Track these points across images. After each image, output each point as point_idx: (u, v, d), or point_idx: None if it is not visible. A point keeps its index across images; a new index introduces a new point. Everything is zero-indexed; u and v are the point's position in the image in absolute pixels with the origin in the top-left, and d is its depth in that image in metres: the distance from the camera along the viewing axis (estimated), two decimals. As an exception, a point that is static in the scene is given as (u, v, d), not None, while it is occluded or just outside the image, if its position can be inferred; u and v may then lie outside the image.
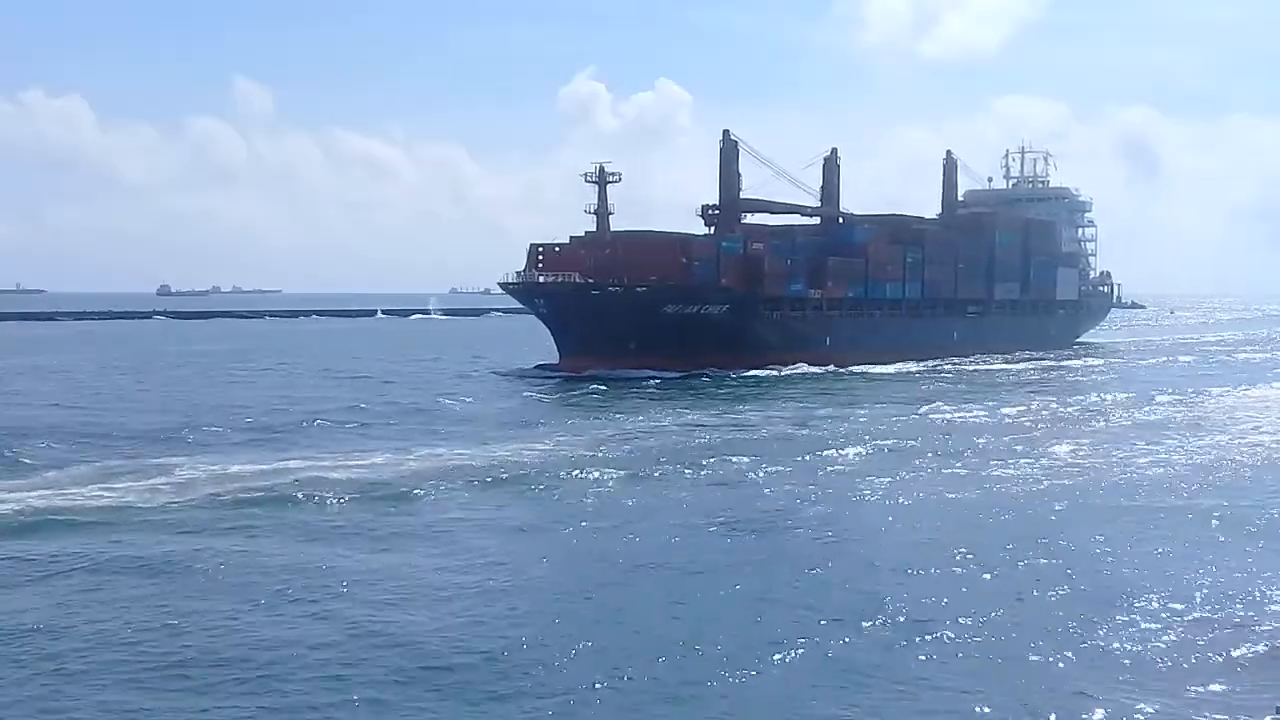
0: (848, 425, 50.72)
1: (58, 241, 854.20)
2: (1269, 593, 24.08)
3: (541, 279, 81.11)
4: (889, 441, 45.44)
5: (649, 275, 78.69)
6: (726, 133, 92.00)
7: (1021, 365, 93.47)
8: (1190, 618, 22.37)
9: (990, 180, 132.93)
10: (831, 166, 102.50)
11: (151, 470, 36.92)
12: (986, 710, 17.98)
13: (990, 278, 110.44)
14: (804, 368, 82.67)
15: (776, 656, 20.22)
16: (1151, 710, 17.90)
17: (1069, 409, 58.60)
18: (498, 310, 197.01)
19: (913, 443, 45.32)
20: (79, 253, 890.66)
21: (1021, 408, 58.45)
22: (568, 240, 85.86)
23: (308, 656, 20.12)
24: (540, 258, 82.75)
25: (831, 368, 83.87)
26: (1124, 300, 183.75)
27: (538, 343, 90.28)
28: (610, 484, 36.22)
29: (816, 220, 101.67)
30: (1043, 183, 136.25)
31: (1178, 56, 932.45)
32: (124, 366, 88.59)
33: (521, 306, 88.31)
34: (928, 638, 21.20)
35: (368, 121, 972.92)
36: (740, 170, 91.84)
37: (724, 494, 35.16)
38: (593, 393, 66.09)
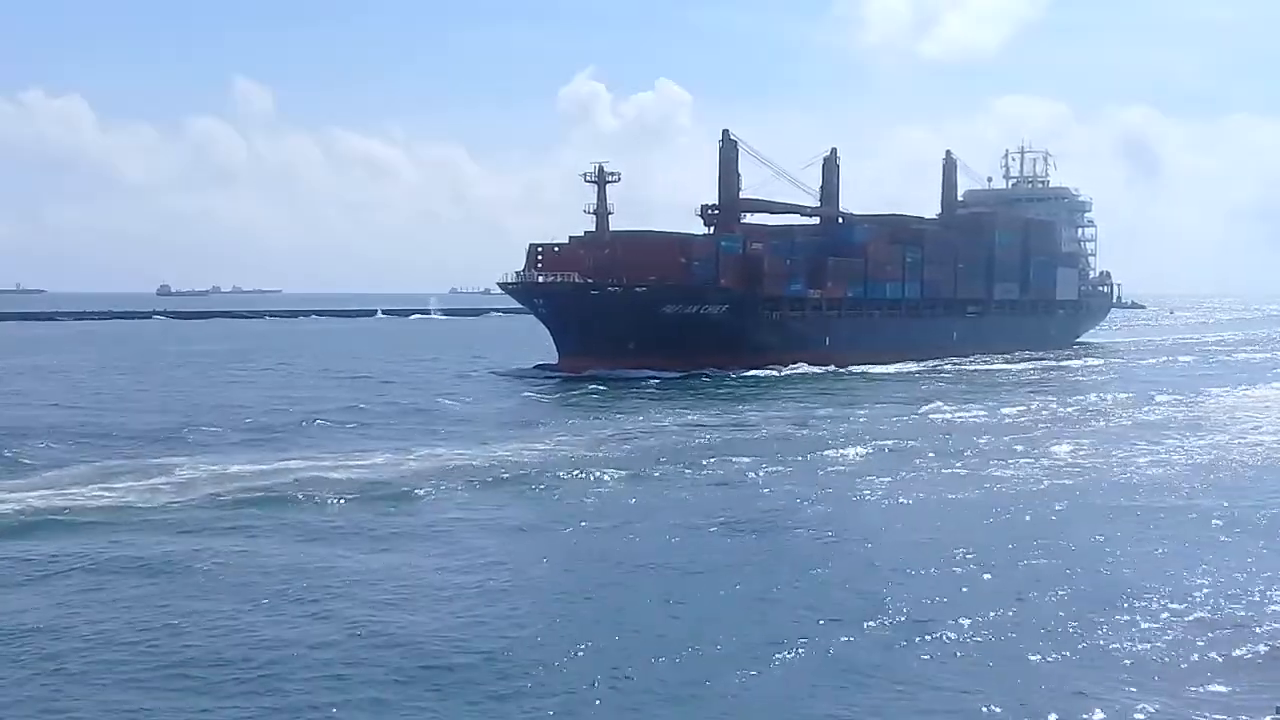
0: (847, 425, 50.73)
1: (58, 241, 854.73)
2: (1269, 593, 24.09)
3: (541, 279, 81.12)
4: (889, 441, 45.45)
5: (648, 275, 78.71)
6: (726, 133, 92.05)
7: (1021, 365, 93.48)
8: (1190, 618, 22.38)
9: (990, 180, 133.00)
10: (831, 166, 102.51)
11: (151, 470, 36.92)
12: (986, 710, 17.98)
13: (990, 278, 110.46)
14: (803, 368, 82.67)
15: (776, 656, 20.22)
16: (1151, 710, 17.91)
17: (1069, 409, 58.61)
18: (497, 310, 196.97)
19: (913, 443, 45.32)
20: (79, 253, 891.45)
21: (1021, 408, 58.46)
22: (567, 240, 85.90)
23: (308, 656, 20.12)
24: (539, 258, 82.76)
25: (831, 368, 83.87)
26: (1124, 300, 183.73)
27: (537, 343, 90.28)
28: (610, 484, 36.23)
29: (816, 220, 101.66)
30: (1042, 183, 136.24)
31: (1178, 56, 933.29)
32: (124, 366, 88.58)
33: (521, 306, 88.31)
34: (928, 638, 21.20)
35: (368, 121, 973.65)
36: (740, 170, 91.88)
37: (724, 494, 35.17)
38: (592, 393, 66.11)
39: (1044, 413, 56.89)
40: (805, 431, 48.95)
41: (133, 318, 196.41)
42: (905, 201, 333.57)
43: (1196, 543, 28.71)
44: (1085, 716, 17.71)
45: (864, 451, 42.88)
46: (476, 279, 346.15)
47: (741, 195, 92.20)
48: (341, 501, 32.90)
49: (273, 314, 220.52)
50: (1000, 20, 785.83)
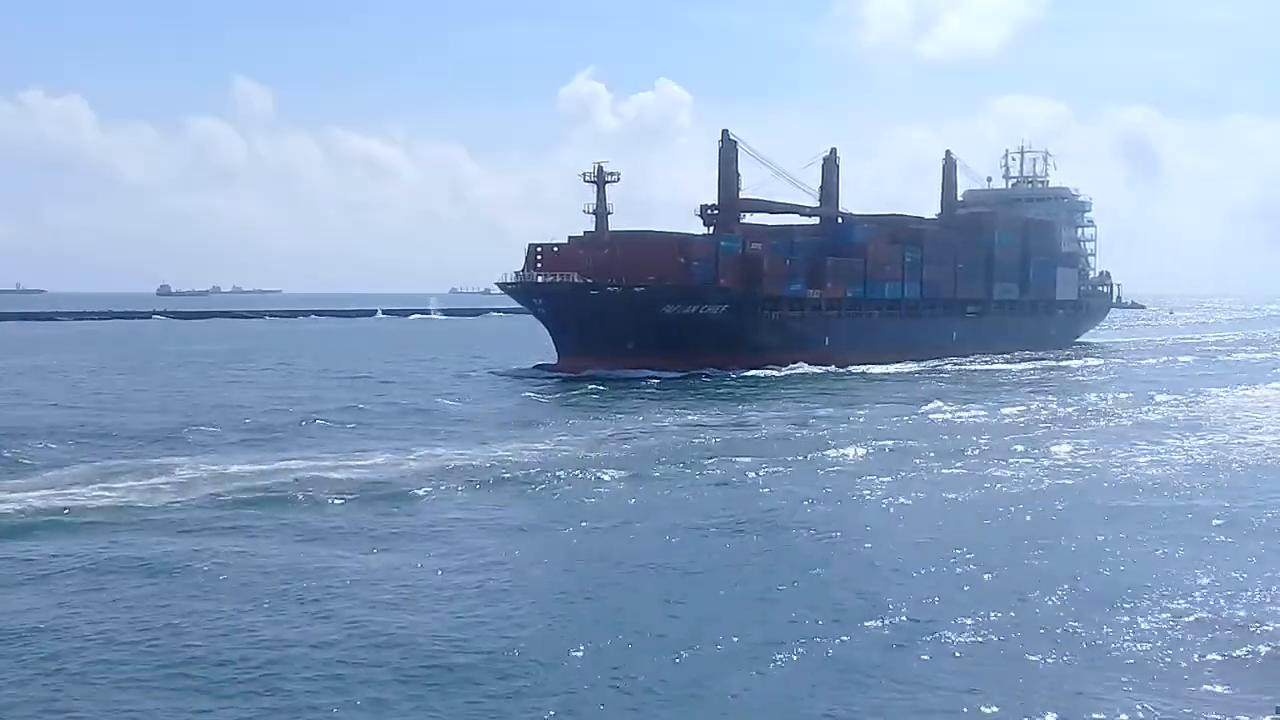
0: (847, 425, 50.74)
1: (58, 241, 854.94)
2: (1269, 593, 24.09)
3: (540, 279, 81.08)
4: (889, 441, 45.45)
5: (647, 275, 78.69)
6: (725, 133, 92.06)
7: (1021, 365, 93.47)
8: (1190, 618, 22.38)
9: (989, 180, 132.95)
10: (831, 166, 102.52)
11: (152, 470, 36.92)
12: (986, 710, 17.99)
13: (989, 278, 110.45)
14: (803, 368, 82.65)
15: (776, 656, 20.23)
16: (1151, 710, 17.91)
17: (1069, 409, 58.61)
18: (497, 310, 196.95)
19: (913, 443, 45.32)
20: (79, 253, 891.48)
21: (1021, 408, 58.47)
22: (566, 240, 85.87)
23: (308, 656, 20.13)
24: (539, 258, 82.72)
25: (831, 368, 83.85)
26: (1124, 300, 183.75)
27: (536, 343, 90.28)
28: (610, 484, 36.23)
29: (815, 220, 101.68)
30: (1042, 183, 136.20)
31: (1178, 56, 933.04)
32: (124, 366, 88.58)
33: (521, 307, 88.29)
34: (928, 638, 21.21)
35: (368, 121, 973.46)
36: (739, 170, 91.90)
37: (724, 494, 35.18)
38: (591, 393, 66.10)
39: (1044, 413, 56.89)
40: (805, 431, 48.95)
41: (133, 318, 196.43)
42: (905, 201, 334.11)
43: (1196, 543, 28.71)
44: (1085, 716, 17.72)
45: (864, 451, 42.90)
46: (476, 279, 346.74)
47: (741, 195, 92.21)
48: (341, 501, 32.90)
49: (273, 314, 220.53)
50: (1000, 20, 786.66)
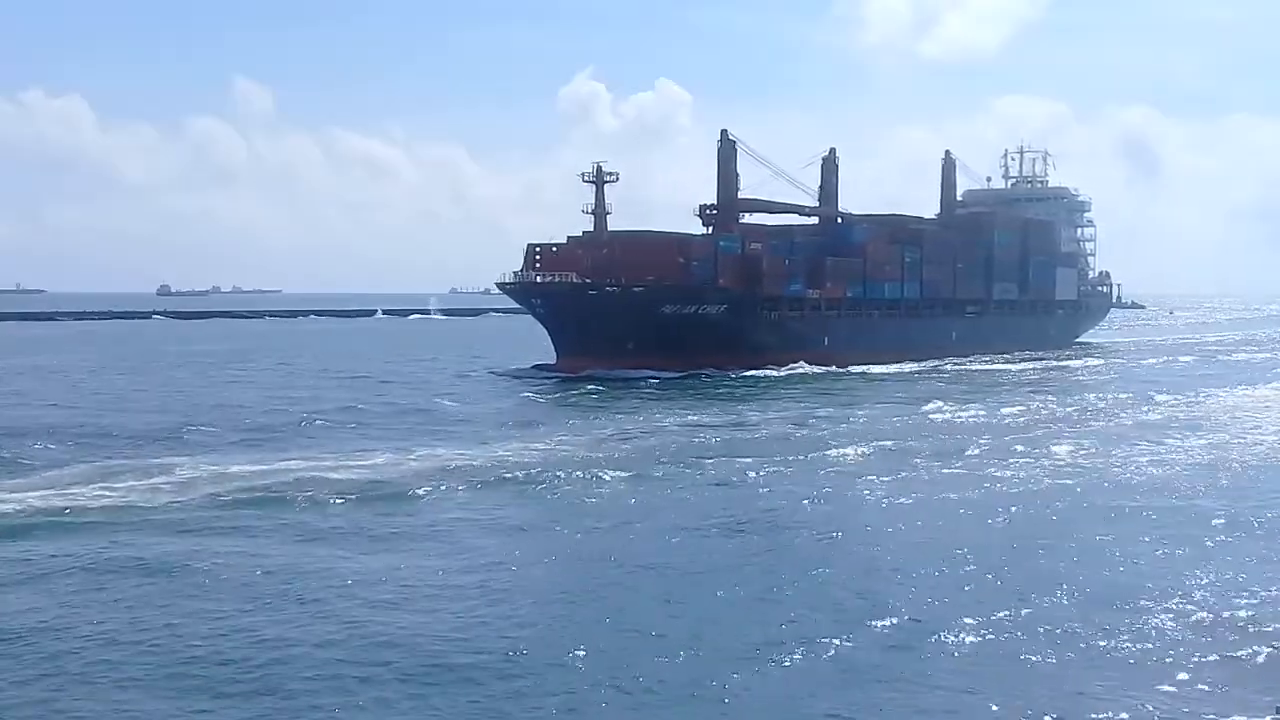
0: (847, 425, 50.74)
1: (58, 241, 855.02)
2: (1269, 593, 24.09)
3: (538, 279, 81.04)
4: (889, 441, 45.45)
5: (646, 275, 78.67)
6: (725, 132, 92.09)
7: (1021, 365, 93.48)
8: (1190, 618, 22.38)
9: (989, 180, 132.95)
10: (830, 166, 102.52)
11: (152, 470, 36.92)
12: (986, 710, 18.00)
13: (989, 277, 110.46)
14: (803, 368, 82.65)
15: (776, 656, 20.23)
16: (1151, 710, 17.92)
17: (1069, 409, 58.61)
18: (497, 310, 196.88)
19: (913, 443, 45.32)
20: (79, 253, 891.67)
21: (1021, 408, 58.47)
22: (565, 240, 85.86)
23: (308, 656, 20.13)
24: (538, 258, 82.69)
25: (830, 368, 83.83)
26: (1124, 300, 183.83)
27: (536, 343, 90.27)
28: (610, 484, 36.23)
29: (815, 220, 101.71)
30: (1042, 182, 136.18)
31: (1178, 56, 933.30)
32: (124, 366, 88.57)
33: (520, 307, 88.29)
34: (928, 638, 21.21)
35: (368, 121, 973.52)
36: (739, 170, 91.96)
37: (724, 494, 35.18)
38: (591, 393, 66.10)
39: (1044, 413, 56.89)
40: (805, 431, 48.95)
41: (133, 318, 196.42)
42: (904, 201, 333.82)
43: (1197, 543, 28.70)
44: (1085, 716, 17.72)
45: (864, 451, 42.89)
46: (476, 279, 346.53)
47: (740, 195, 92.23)
48: (341, 501, 32.90)
49: (273, 314, 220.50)
50: (1000, 20, 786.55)
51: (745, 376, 77.01)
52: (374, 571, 25.68)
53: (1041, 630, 21.64)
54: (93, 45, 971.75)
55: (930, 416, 54.93)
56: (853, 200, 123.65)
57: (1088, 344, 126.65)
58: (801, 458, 41.33)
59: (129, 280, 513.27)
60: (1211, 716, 17.72)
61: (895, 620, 22.20)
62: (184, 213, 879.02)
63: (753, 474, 37.99)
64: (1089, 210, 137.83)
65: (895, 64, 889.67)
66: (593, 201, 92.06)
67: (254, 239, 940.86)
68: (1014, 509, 32.76)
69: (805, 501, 33.82)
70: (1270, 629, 21.63)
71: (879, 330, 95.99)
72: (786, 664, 19.96)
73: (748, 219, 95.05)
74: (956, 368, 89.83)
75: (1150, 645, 20.85)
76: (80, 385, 71.70)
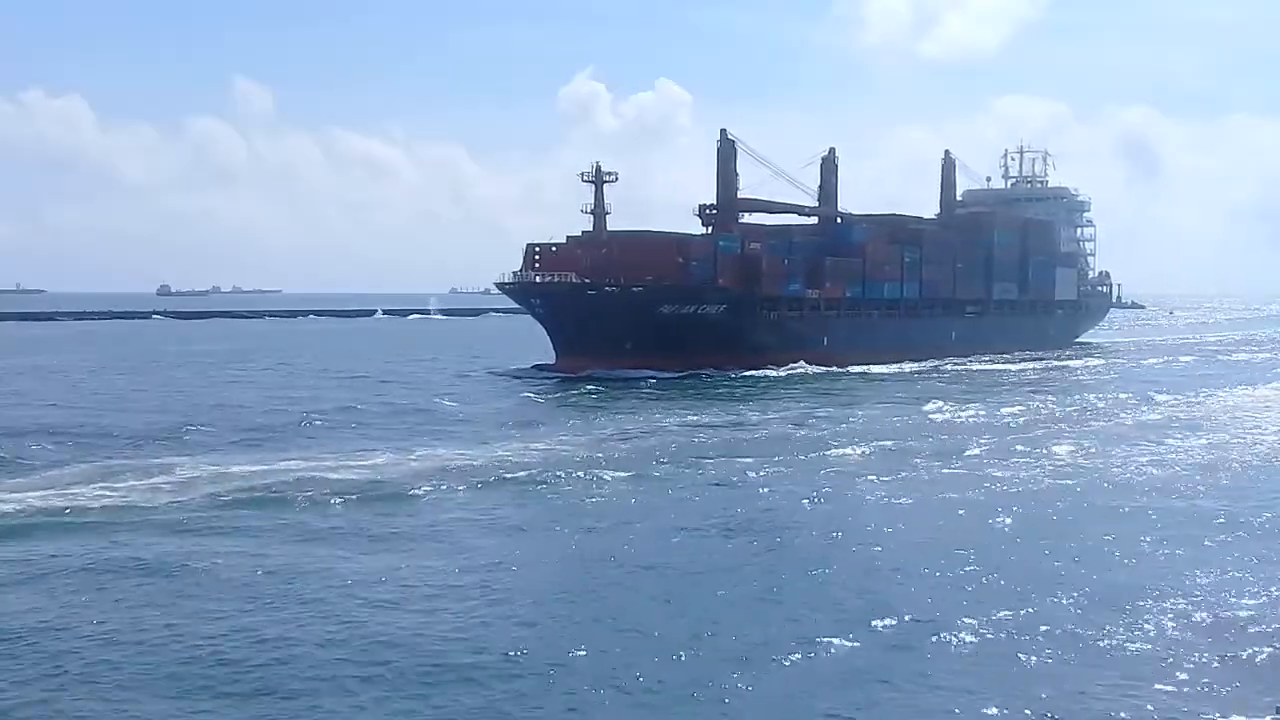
0: (847, 425, 50.74)
1: (58, 241, 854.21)
2: (1269, 593, 24.10)
3: (537, 279, 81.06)
4: (889, 441, 45.46)
5: (645, 275, 78.66)
6: (724, 132, 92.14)
7: (1020, 365, 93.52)
8: (1190, 618, 22.39)
9: (989, 180, 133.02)
10: (829, 166, 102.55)
11: (152, 470, 36.93)
12: (986, 710, 17.99)
13: (989, 277, 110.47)
14: (802, 368, 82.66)
15: (776, 656, 20.23)
16: (1151, 710, 17.93)
17: (1069, 409, 58.64)
18: (497, 310, 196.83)
19: (912, 443, 45.33)
20: (79, 253, 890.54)
21: (1021, 408, 58.48)
22: (564, 240, 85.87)
23: (308, 656, 20.13)
24: (537, 258, 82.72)
25: (830, 368, 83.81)
26: (1124, 300, 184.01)
27: (536, 343, 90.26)
28: (610, 484, 36.23)
29: (814, 220, 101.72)
30: (1041, 182, 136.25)
31: (1178, 56, 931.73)
32: (124, 366, 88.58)
33: (520, 307, 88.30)
34: (928, 638, 21.22)
35: (368, 121, 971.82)
36: (738, 170, 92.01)
37: (724, 494, 35.19)
38: (590, 393, 66.12)
39: (1044, 413, 56.91)
40: (805, 431, 48.96)
41: (132, 318, 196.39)
42: (904, 201, 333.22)
43: (1197, 543, 28.71)
44: (1085, 716, 17.73)
45: (864, 451, 42.90)
46: (476, 279, 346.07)
47: (740, 195, 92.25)
48: (341, 501, 32.90)
49: (273, 314, 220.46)
50: (1000, 20, 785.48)
51: (745, 376, 77.01)
52: (374, 571, 25.68)
53: (1041, 630, 21.64)
54: (93, 45, 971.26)
55: (930, 416, 54.94)
56: (852, 200, 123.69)
57: (1088, 344, 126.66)
58: (801, 458, 41.34)
59: (129, 280, 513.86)
60: (1211, 716, 17.73)
61: (895, 620, 22.21)
62: (184, 213, 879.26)
63: (753, 474, 38.00)
64: (1089, 210, 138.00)
65: (895, 64, 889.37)
66: (592, 201, 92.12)
67: (254, 239, 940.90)
68: (1014, 509, 32.75)
69: (805, 501, 33.83)
70: (1270, 629, 21.64)
71: (878, 330, 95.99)
72: (786, 664, 19.97)
73: (747, 219, 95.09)
74: (956, 368, 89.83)
75: (1150, 645, 20.86)
76: (80, 385, 71.71)
